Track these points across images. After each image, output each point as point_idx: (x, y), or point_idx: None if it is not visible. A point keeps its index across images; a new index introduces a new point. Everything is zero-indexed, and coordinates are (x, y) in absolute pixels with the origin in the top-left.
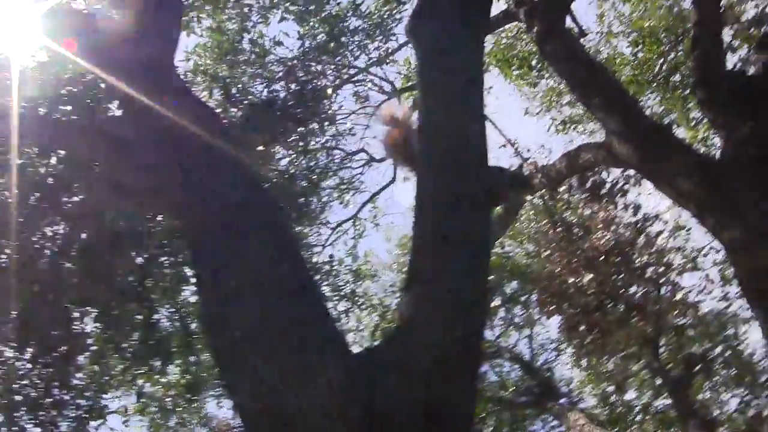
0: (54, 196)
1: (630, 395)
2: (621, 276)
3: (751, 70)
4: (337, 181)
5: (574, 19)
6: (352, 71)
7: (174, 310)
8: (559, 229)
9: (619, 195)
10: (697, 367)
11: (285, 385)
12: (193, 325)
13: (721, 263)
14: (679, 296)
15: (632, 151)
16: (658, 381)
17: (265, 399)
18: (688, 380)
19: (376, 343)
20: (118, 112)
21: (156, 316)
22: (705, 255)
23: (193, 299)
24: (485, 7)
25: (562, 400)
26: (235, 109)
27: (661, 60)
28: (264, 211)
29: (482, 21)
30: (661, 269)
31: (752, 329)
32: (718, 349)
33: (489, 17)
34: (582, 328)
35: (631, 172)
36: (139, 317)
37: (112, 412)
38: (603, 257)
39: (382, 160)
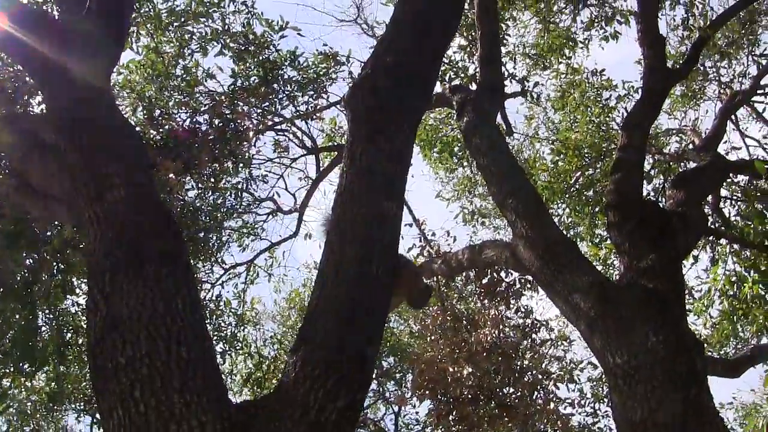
0: None
1: None
2: (499, 375)
3: (664, 202)
4: (240, 224)
5: (504, 116)
6: (277, 119)
7: (53, 317)
8: (448, 318)
9: (513, 296)
10: None
11: (158, 419)
12: (68, 336)
13: (596, 380)
14: (551, 405)
15: (534, 258)
16: None
17: (135, 431)
18: None
19: (254, 396)
20: (39, 109)
21: (37, 322)
22: (582, 369)
23: (73, 310)
24: (425, 93)
25: None
26: (155, 132)
27: (579, 173)
28: (169, 246)
29: (420, 106)
30: (539, 376)
31: None
32: None
33: (427, 103)
34: (451, 417)
35: (530, 277)
36: (18, 317)
37: None
38: (485, 353)
39: (288, 212)
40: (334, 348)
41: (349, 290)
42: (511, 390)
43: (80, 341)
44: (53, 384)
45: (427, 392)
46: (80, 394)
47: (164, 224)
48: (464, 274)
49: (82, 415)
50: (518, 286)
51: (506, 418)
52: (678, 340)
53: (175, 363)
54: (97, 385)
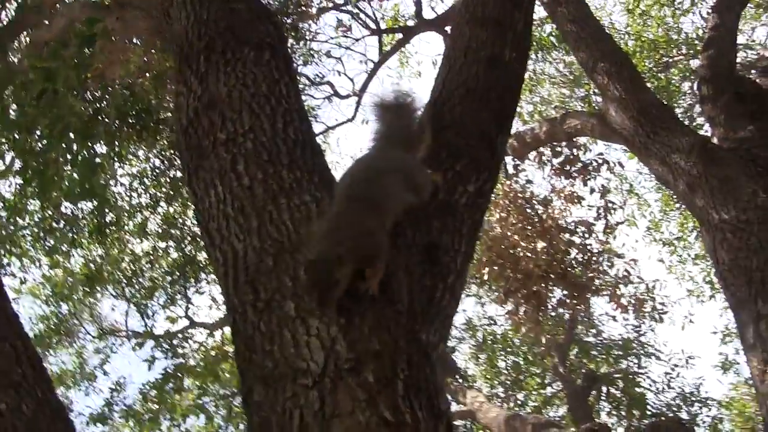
0: None
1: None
2: (572, 255)
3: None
4: None
5: None
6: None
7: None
8: (519, 194)
9: (590, 175)
10: (596, 386)
11: (266, 192)
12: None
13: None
14: (623, 288)
15: (628, 120)
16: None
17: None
18: (587, 393)
19: None
20: None
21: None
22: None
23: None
24: None
25: (459, 379)
26: None
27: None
28: (270, 34)
29: None
30: (612, 261)
31: (652, 365)
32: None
33: None
34: (521, 294)
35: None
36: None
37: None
38: (559, 231)
39: (345, 96)
40: (462, 131)
41: (479, 72)
42: (583, 270)
43: (122, 223)
44: (91, 266)
45: (495, 268)
46: (119, 276)
47: (264, 12)
48: (536, 154)
49: (117, 299)
50: (596, 164)
51: (575, 300)
52: None
53: (282, 141)
54: (191, 166)
